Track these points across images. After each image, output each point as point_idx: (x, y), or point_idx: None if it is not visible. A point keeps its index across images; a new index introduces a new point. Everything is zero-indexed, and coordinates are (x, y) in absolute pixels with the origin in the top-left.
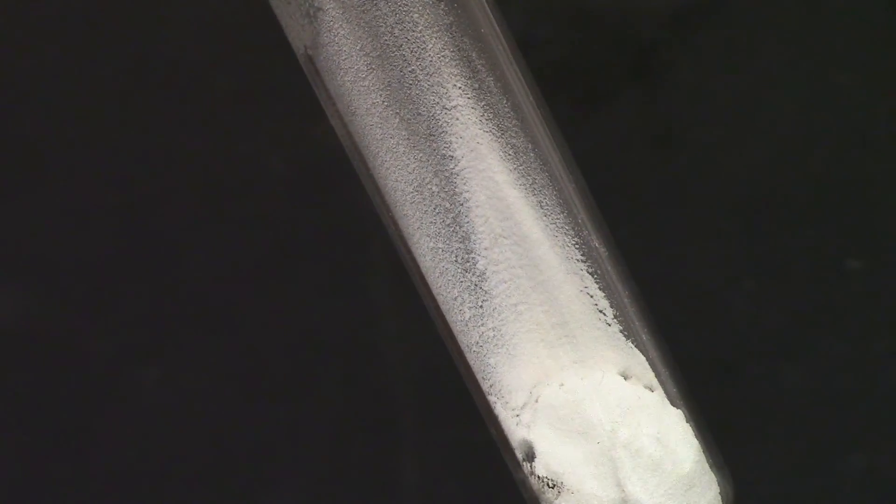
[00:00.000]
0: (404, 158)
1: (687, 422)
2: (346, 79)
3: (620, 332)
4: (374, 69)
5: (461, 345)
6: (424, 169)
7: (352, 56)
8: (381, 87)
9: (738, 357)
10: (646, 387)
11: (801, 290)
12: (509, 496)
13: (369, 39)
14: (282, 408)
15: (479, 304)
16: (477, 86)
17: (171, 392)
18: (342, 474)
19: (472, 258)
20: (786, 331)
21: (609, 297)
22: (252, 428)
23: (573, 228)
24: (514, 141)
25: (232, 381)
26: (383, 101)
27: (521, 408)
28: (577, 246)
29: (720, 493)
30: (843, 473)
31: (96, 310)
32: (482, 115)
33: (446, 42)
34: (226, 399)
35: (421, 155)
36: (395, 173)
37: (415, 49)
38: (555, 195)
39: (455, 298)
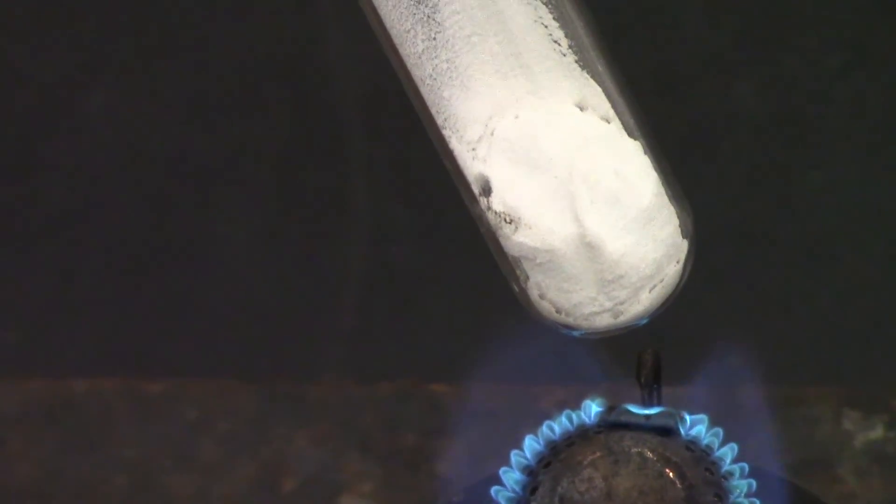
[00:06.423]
0: None
1: (645, 154)
2: None
3: (576, 62)
4: None
5: (415, 78)
6: None
7: None
8: None
9: (688, 73)
10: (602, 118)
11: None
12: (462, 222)
13: None
14: (230, 130)
15: (433, 35)
16: None
17: (117, 117)
18: (292, 196)
19: None
20: (737, 46)
21: (563, 27)
22: (200, 151)
23: None
24: None
25: (178, 104)
26: None
27: (477, 141)
28: None
29: (679, 226)
30: (800, 191)
31: (35, 34)
32: None
33: None
34: (172, 123)
35: None
36: None
37: None
38: None
39: (408, 31)
